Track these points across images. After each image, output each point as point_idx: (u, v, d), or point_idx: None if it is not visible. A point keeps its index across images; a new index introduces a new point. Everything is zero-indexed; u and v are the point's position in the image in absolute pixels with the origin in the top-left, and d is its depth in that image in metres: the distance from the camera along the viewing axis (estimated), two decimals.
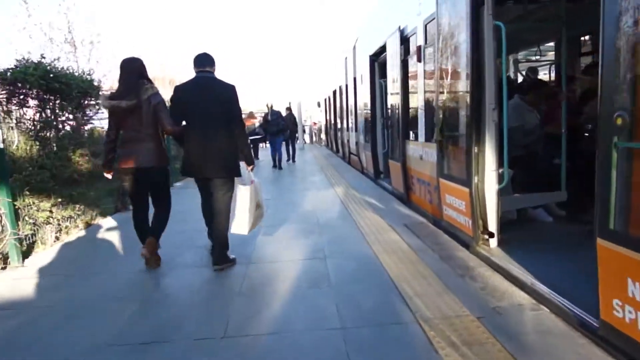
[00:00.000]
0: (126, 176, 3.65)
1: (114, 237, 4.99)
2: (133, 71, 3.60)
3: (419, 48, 5.24)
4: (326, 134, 21.78)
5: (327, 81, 20.40)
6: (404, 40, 5.97)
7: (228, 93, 3.65)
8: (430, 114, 5.08)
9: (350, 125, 12.43)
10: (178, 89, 3.71)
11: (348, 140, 12.98)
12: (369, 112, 8.97)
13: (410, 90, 6.00)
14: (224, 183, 3.68)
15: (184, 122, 3.69)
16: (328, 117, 19.96)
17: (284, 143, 12.94)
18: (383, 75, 8.47)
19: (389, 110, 6.97)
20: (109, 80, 9.04)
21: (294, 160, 13.76)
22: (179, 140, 3.87)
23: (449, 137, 4.33)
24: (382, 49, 7.57)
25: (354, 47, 10.71)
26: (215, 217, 3.71)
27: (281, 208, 6.33)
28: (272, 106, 12.82)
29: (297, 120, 21.12)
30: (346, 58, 12.43)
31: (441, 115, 4.48)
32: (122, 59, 3.67)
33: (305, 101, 27.72)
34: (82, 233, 5.29)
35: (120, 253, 4.41)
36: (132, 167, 3.56)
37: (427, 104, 5.15)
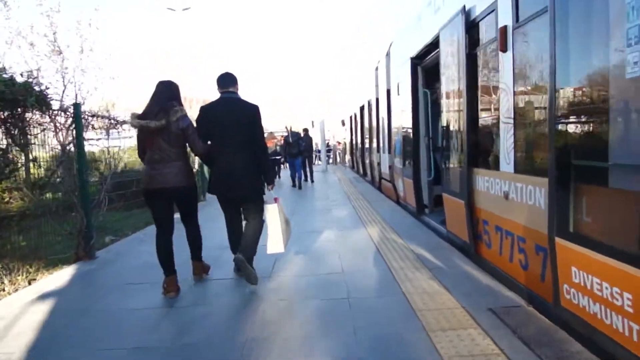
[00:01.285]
0: (155, 197, 3.58)
1: (71, 302, 3.35)
2: (166, 93, 3.65)
3: (503, 31, 3.46)
4: (352, 154, 20.02)
5: (352, 97, 18.78)
6: (471, 26, 4.21)
7: (252, 113, 3.71)
8: (530, 128, 3.27)
9: (381, 145, 10.64)
10: (203, 109, 3.77)
11: (379, 163, 11.18)
12: (408, 129, 7.19)
13: (481, 95, 4.20)
14: (256, 205, 3.78)
15: (209, 142, 3.74)
16: (354, 137, 18.23)
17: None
18: (428, 83, 6.71)
19: (443, 126, 5.16)
20: (95, 97, 7.55)
21: (312, 181, 13.77)
22: (205, 160, 3.96)
23: (587, 170, 2.48)
24: (430, 47, 5.83)
25: (388, 54, 9.01)
26: (250, 229, 3.75)
27: (296, 262, 4.54)
28: (291, 128, 13.24)
29: (321, 139, 19.71)
30: (377, 68, 10.74)
31: (565, 130, 2.66)
32: (157, 81, 3.73)
33: (329, 119, 26.17)
34: (15, 298, 3.68)
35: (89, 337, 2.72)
36: (161, 187, 3.51)
37: (523, 113, 3.33)
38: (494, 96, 3.91)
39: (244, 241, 3.71)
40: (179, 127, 3.53)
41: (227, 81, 3.79)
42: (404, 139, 7.55)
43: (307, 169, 13.76)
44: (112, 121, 6.51)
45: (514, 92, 3.38)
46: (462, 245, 4.58)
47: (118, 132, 6.75)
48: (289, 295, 3.52)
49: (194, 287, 3.83)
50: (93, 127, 5.80)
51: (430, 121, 6.58)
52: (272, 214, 3.73)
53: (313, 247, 5.08)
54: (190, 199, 3.83)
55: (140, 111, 3.62)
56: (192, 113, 4.06)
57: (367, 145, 13.90)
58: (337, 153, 27.71)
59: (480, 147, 4.25)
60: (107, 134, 6.47)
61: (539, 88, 3.12)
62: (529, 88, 3.31)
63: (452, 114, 4.84)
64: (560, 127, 2.66)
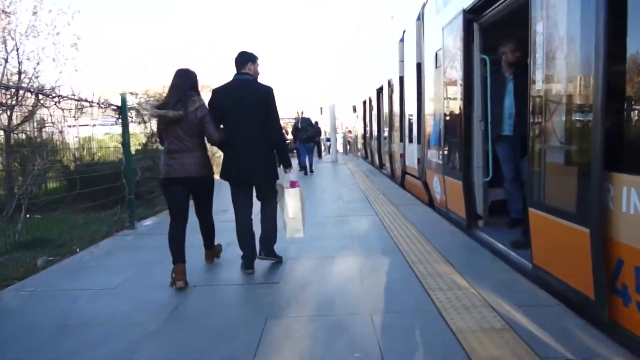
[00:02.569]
0: (173, 186, 3.56)
1: None
2: (185, 83, 3.60)
3: None
4: (365, 144, 18.13)
5: (367, 79, 16.84)
6: None
7: (265, 96, 3.63)
8: None
9: (407, 133, 8.77)
10: (215, 92, 3.69)
11: (402, 155, 9.31)
12: (454, 111, 5.33)
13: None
14: (268, 187, 3.74)
15: (221, 126, 3.68)
16: (368, 124, 16.33)
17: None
18: (488, 45, 4.83)
19: (536, 106, 3.29)
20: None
21: (312, 171, 12.66)
22: (220, 146, 3.83)
23: None
24: None
25: (420, 17, 7.11)
26: (267, 217, 3.77)
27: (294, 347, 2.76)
28: (302, 113, 13.36)
29: (330, 126, 18.02)
30: (403, 39, 8.83)
31: None
32: (176, 69, 3.71)
33: (339, 106, 24.18)
34: None
35: None
36: (179, 177, 3.50)
37: None
38: None
39: (265, 231, 3.77)
40: (196, 116, 3.50)
41: (241, 60, 3.69)
42: (446, 124, 5.67)
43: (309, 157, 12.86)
44: (79, 102, 5.14)
45: None
46: (581, 302, 2.74)
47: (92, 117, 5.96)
48: None
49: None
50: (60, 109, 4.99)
51: (488, 100, 4.72)
52: (293, 198, 3.65)
53: (325, 297, 3.27)
54: (208, 189, 3.80)
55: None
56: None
57: (385, 134, 12.02)
58: (348, 142, 25.82)
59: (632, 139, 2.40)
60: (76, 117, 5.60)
61: None
62: None
63: (559, 85, 2.98)
64: None
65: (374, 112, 14.28)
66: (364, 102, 17.48)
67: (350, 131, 26.23)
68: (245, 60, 3.69)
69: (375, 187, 9.13)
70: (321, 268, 3.87)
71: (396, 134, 10.05)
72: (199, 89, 3.74)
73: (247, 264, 3.73)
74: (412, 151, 8.34)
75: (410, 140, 8.44)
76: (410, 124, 8.39)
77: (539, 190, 3.23)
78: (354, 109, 23.09)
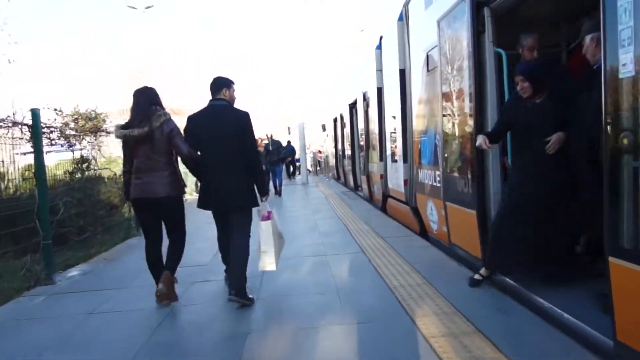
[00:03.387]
0: (139, 207, 3.55)
1: None
2: (145, 99, 3.51)
3: None
4: (337, 164, 17.07)
5: (337, 96, 15.94)
6: None
7: (242, 122, 3.54)
8: None
9: (389, 151, 7.72)
10: (190, 119, 3.61)
11: (383, 176, 8.22)
12: (454, 120, 4.29)
13: None
14: (242, 214, 3.57)
15: (198, 153, 3.57)
16: (340, 142, 15.30)
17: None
18: (503, 39, 3.82)
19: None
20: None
21: (279, 194, 12.15)
22: (192, 169, 3.70)
23: None
24: None
25: (404, 14, 6.14)
26: (236, 251, 3.53)
27: None
28: (272, 136, 13.31)
29: (300, 146, 17.09)
30: (380, 45, 7.87)
31: None
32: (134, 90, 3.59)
33: (307, 125, 23.14)
34: None
35: None
36: (146, 197, 3.40)
37: None
38: None
39: (235, 262, 3.50)
40: (162, 132, 3.39)
41: (216, 86, 3.59)
42: (445, 138, 4.61)
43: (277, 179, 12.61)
44: None
45: None
46: None
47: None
48: None
49: None
50: None
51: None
52: (265, 231, 3.49)
53: None
54: (176, 210, 3.62)
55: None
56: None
57: (361, 153, 10.99)
58: (317, 162, 24.80)
59: None
60: None
61: None
62: None
63: None
64: None
65: (347, 129, 13.27)
66: (335, 120, 16.50)
67: (320, 151, 25.23)
68: (220, 86, 3.58)
69: (354, 213, 7.97)
70: (295, 351, 2.62)
71: (374, 153, 8.98)
72: (162, 104, 3.63)
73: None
74: (395, 171, 7.27)
75: (394, 160, 7.37)
76: (393, 141, 7.34)
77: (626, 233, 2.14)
78: (323, 128, 22.15)
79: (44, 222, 4.54)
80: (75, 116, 5.23)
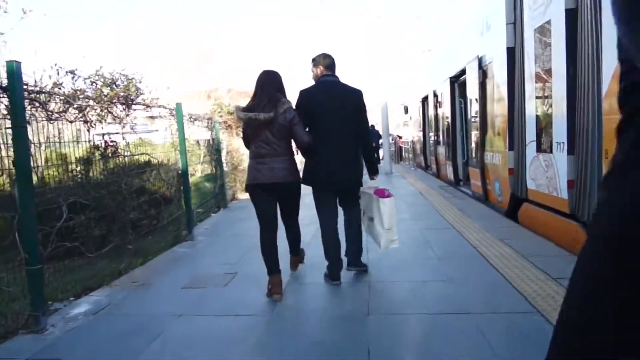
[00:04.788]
0: (261, 192, 3.40)
1: None
2: (272, 84, 3.44)
3: None
4: (426, 152, 14.67)
5: (426, 70, 13.52)
6: None
7: (357, 99, 3.55)
8: None
9: (529, 134, 5.37)
10: (304, 94, 3.55)
11: (514, 170, 5.90)
12: None
13: None
14: (355, 194, 3.66)
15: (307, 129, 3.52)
16: (433, 126, 12.87)
17: None
18: None
19: None
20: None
21: None
22: (308, 151, 3.55)
23: None
24: None
25: None
26: (352, 227, 3.65)
27: None
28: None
29: (383, 128, 14.71)
30: None
31: None
32: (261, 70, 3.52)
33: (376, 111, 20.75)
34: None
35: None
36: (271, 182, 3.35)
37: None
38: None
39: (351, 240, 3.64)
40: (285, 119, 3.34)
41: (329, 63, 3.55)
42: None
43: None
44: None
45: None
46: None
47: None
48: None
49: None
50: None
51: None
52: (389, 207, 3.46)
53: None
54: (296, 195, 3.59)
55: None
56: None
57: (467, 139, 8.62)
58: (398, 149, 22.37)
59: None
60: None
61: None
62: None
63: None
64: None
65: (443, 109, 10.87)
66: (424, 100, 14.09)
67: (400, 137, 22.78)
68: (333, 62, 3.57)
69: (473, 221, 5.74)
70: None
71: (497, 139, 6.64)
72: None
73: (335, 274, 3.55)
74: (545, 166, 4.94)
75: (542, 149, 5.03)
76: (545, 119, 4.99)
77: None
78: (406, 110, 19.74)
79: (27, 237, 2.94)
80: (95, 80, 3.63)
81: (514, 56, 5.72)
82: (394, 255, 4.36)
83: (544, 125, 4.96)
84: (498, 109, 6.48)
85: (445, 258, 4.22)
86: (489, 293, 3.27)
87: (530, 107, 5.27)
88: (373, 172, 3.76)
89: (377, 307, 3.08)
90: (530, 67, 5.20)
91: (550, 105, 4.73)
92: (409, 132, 20.90)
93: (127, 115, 4.13)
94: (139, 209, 4.35)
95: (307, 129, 3.48)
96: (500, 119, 6.38)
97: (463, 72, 8.47)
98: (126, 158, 4.24)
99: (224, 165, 8.32)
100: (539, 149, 5.09)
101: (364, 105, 3.57)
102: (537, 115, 5.12)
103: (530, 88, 5.23)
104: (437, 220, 5.98)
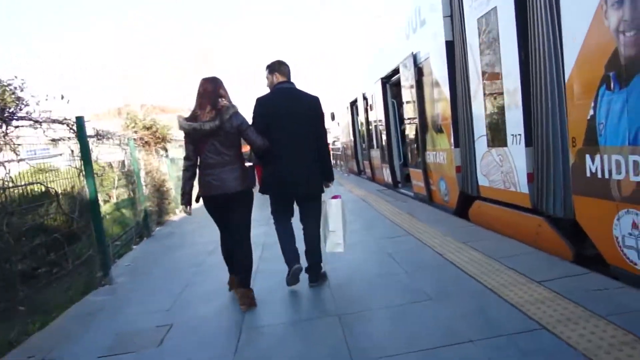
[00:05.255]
0: (213, 204, 3.35)
1: None
2: (213, 91, 3.29)
3: None
4: (357, 157, 14.50)
5: (354, 74, 13.39)
6: None
7: (314, 105, 3.47)
8: None
9: (478, 130, 5.14)
10: (261, 101, 3.46)
11: (461, 168, 5.67)
12: None
13: None
14: (316, 200, 3.54)
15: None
16: (364, 131, 12.69)
17: None
18: None
19: None
20: None
21: None
22: (262, 158, 3.50)
23: None
24: None
25: None
26: (310, 235, 3.54)
27: None
28: None
29: None
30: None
31: None
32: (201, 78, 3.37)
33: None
34: None
35: None
36: (222, 192, 3.24)
37: None
38: None
39: (310, 245, 3.54)
40: (232, 125, 3.22)
41: (286, 70, 3.51)
42: None
43: None
44: None
45: None
46: None
47: None
48: None
49: None
50: None
51: None
52: (335, 210, 3.50)
53: None
54: (247, 202, 3.41)
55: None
56: None
57: (404, 140, 8.42)
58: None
59: None
60: None
61: None
62: None
63: None
64: None
65: (375, 112, 10.67)
66: (353, 103, 13.93)
67: (328, 144, 22.61)
68: (289, 70, 3.53)
69: (429, 226, 5.39)
70: None
71: (439, 137, 6.41)
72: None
73: (293, 280, 3.47)
74: (499, 161, 4.71)
75: (494, 143, 4.80)
76: (492, 111, 4.76)
77: None
78: (333, 117, 19.57)
79: None
80: None
81: (453, 50, 5.50)
82: (357, 275, 3.82)
83: (495, 118, 4.73)
84: (439, 106, 6.26)
85: (414, 272, 3.75)
86: (479, 309, 2.81)
87: (478, 101, 5.04)
88: (329, 179, 3.67)
89: (359, 353, 2.46)
90: (474, 60, 4.98)
91: (502, 96, 4.50)
92: (339, 138, 20.79)
93: (5, 134, 3.14)
94: (33, 254, 3.35)
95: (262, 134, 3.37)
96: (443, 116, 6.16)
97: (395, 72, 8.25)
98: (6, 192, 3.23)
99: (143, 187, 7.26)
100: (491, 144, 4.86)
101: (322, 111, 3.56)
102: (485, 108, 4.90)
103: (476, 81, 5.00)
104: (390, 228, 5.55)
